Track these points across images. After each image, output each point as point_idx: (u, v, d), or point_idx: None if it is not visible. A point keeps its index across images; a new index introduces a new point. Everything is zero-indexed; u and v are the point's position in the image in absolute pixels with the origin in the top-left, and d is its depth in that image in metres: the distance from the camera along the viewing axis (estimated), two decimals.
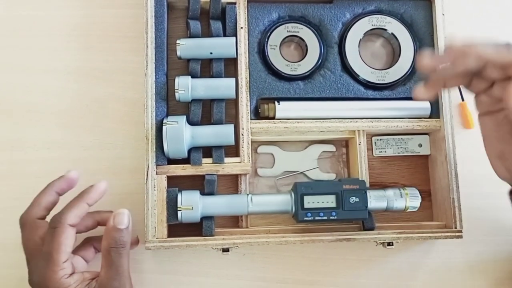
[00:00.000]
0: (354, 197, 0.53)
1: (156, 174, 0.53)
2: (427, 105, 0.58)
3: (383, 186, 0.59)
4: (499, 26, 0.66)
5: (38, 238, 0.47)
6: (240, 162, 0.55)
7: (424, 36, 0.60)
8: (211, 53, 0.56)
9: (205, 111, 0.56)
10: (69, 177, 0.50)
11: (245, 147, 0.55)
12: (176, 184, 0.54)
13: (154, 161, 0.53)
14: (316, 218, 0.53)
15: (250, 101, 0.56)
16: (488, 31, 0.65)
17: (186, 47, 0.55)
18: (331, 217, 0.53)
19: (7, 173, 0.57)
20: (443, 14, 0.59)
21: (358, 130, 0.57)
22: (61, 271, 0.45)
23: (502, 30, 0.66)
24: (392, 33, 0.60)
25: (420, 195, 0.55)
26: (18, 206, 0.56)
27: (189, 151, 0.54)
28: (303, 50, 0.59)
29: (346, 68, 0.58)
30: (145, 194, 0.53)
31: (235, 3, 0.57)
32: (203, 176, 0.54)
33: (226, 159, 0.55)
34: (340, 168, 0.60)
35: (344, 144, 0.60)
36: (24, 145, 0.57)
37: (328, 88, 0.58)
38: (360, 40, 0.59)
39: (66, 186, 0.50)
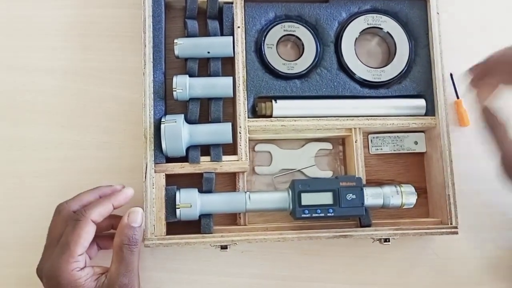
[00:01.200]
0: (351, 194, 0.54)
1: (155, 172, 0.53)
2: (422, 103, 0.59)
3: (379, 183, 0.60)
4: (493, 25, 0.66)
5: (63, 229, 0.48)
6: (237, 160, 0.55)
7: (419, 35, 0.60)
8: (208, 52, 0.56)
9: (203, 110, 0.56)
10: (126, 192, 0.51)
11: (242, 145, 0.55)
12: (174, 182, 0.54)
13: (153, 159, 0.53)
14: (313, 215, 0.53)
15: (247, 100, 0.56)
16: (482, 30, 0.66)
17: (184, 46, 0.56)
18: (328, 214, 0.53)
19: (5, 172, 0.57)
20: (438, 13, 0.60)
21: (355, 128, 0.58)
22: (75, 263, 0.45)
23: (496, 28, 0.66)
24: (388, 32, 0.60)
25: (416, 192, 0.56)
26: (17, 205, 0.57)
27: (187, 149, 0.54)
28: (300, 49, 0.60)
29: (342, 66, 0.59)
30: (143, 192, 0.53)
31: (232, 3, 0.58)
32: (201, 174, 0.55)
33: (224, 157, 0.55)
34: (337, 166, 0.61)
35: (340, 142, 0.61)
36: (22, 144, 0.58)
37: (325, 86, 0.58)
38: (356, 39, 0.60)
39: (109, 192, 0.51)
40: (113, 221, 0.53)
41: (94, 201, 0.49)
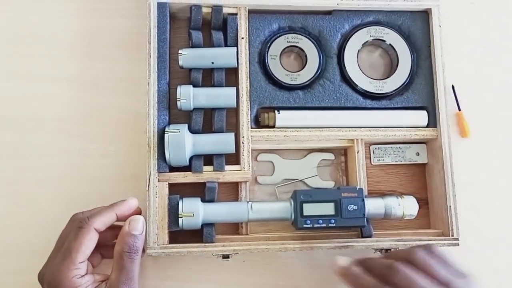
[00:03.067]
0: (352, 205, 0.54)
1: (158, 181, 0.54)
2: (424, 114, 0.59)
3: (381, 194, 0.60)
4: (495, 37, 0.67)
5: None
6: (240, 170, 0.56)
7: (421, 47, 0.61)
8: (212, 62, 0.57)
9: (206, 120, 0.57)
10: (130, 202, 0.51)
11: (245, 155, 0.56)
12: (177, 191, 0.55)
13: (156, 168, 0.54)
14: (315, 225, 0.53)
15: (250, 110, 0.57)
16: (484, 43, 0.67)
17: (188, 56, 0.56)
18: (330, 225, 0.53)
19: (9, 179, 0.58)
20: (440, 26, 0.61)
21: (357, 139, 0.58)
22: (76, 270, 0.46)
23: (497, 41, 0.67)
24: (390, 44, 0.61)
25: (418, 203, 0.56)
26: (20, 213, 0.57)
27: (191, 159, 0.55)
28: (303, 60, 0.60)
29: (345, 78, 0.59)
30: (146, 201, 0.53)
31: (236, 14, 0.58)
32: (204, 184, 0.55)
33: (227, 167, 0.55)
34: (339, 176, 0.61)
35: (343, 153, 0.61)
36: (27, 152, 0.58)
37: (327, 97, 0.59)
38: (359, 50, 0.60)
39: (126, 210, 0.51)
40: (117, 231, 0.53)
41: (98, 210, 0.50)
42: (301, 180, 0.60)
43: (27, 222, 0.57)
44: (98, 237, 0.48)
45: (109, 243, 0.52)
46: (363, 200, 0.54)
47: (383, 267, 0.47)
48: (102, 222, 0.48)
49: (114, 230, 0.51)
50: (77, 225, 0.48)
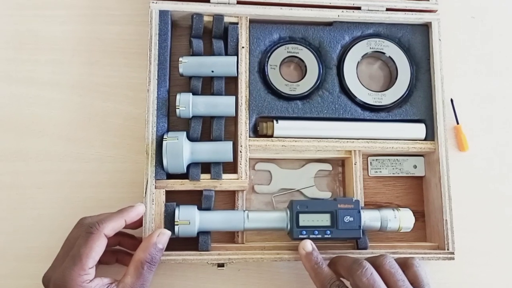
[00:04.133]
0: (348, 217, 0.54)
1: (155, 188, 0.54)
2: (422, 128, 0.60)
3: (377, 206, 0.60)
4: (494, 52, 0.67)
5: None
6: (237, 179, 0.56)
7: (420, 60, 0.61)
8: (212, 71, 0.57)
9: (205, 128, 0.57)
10: (138, 209, 0.52)
11: (243, 164, 0.56)
12: (174, 198, 0.55)
13: (154, 175, 0.54)
14: (311, 236, 0.53)
15: (249, 119, 0.57)
16: (483, 57, 0.67)
17: (188, 64, 0.57)
18: (326, 236, 0.54)
19: (9, 183, 0.58)
20: (440, 40, 0.61)
21: (354, 150, 0.58)
22: (85, 275, 0.46)
23: (497, 55, 0.67)
24: (390, 57, 0.61)
25: (414, 216, 0.56)
26: (19, 217, 0.57)
27: (188, 166, 0.55)
28: (303, 70, 0.61)
29: (344, 89, 0.60)
30: None
31: (237, 23, 0.59)
32: (201, 192, 0.55)
33: (224, 175, 0.56)
34: (336, 187, 0.61)
35: (340, 164, 0.62)
36: (27, 156, 0.58)
37: (326, 108, 0.59)
38: (358, 62, 0.61)
39: (135, 216, 0.51)
40: (120, 238, 0.53)
41: (107, 215, 0.50)
42: (298, 190, 0.60)
43: (24, 226, 0.57)
44: (106, 242, 0.48)
45: (109, 249, 0.52)
46: (359, 212, 0.54)
47: (351, 262, 0.49)
48: (112, 227, 0.48)
49: (117, 235, 0.51)
50: (86, 230, 0.48)
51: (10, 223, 0.57)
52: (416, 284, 0.49)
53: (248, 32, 0.59)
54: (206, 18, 0.58)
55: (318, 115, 0.59)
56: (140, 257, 0.48)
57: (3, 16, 0.61)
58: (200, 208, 0.55)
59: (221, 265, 0.54)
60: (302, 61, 0.60)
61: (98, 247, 0.47)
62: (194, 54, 0.58)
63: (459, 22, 0.67)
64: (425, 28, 0.62)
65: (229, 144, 0.55)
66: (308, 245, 0.52)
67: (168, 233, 0.51)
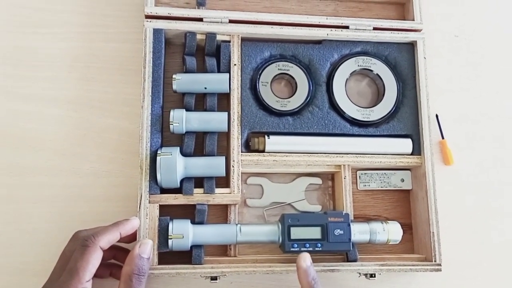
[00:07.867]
0: (338, 230, 0.55)
1: (149, 202, 0.55)
2: (409, 142, 0.61)
3: (366, 219, 0.62)
4: (478, 69, 0.70)
5: None
6: (230, 193, 0.57)
7: (407, 77, 0.63)
8: (205, 88, 0.58)
9: (198, 143, 0.58)
10: (133, 222, 0.53)
11: (235, 179, 0.57)
12: (167, 212, 0.56)
13: (147, 190, 0.55)
14: (302, 249, 0.55)
15: (241, 135, 0.59)
16: (467, 73, 0.69)
17: (182, 81, 0.58)
18: (316, 249, 0.55)
19: (4, 197, 0.58)
20: (425, 58, 0.63)
21: (344, 165, 0.60)
22: None
23: (480, 72, 0.70)
24: (377, 74, 0.63)
25: (402, 228, 0.58)
26: (14, 231, 0.58)
27: (181, 181, 0.56)
28: (293, 87, 0.63)
29: (333, 105, 0.61)
30: None
31: (229, 41, 0.60)
32: (194, 206, 0.56)
33: (217, 190, 0.57)
34: (326, 200, 0.63)
35: (330, 178, 0.63)
36: (23, 170, 0.59)
37: (316, 124, 0.61)
38: (347, 79, 0.63)
39: (130, 229, 0.52)
40: (115, 251, 0.54)
41: (102, 228, 0.50)
42: (289, 204, 0.61)
43: (19, 240, 0.57)
44: (102, 255, 0.49)
45: (104, 262, 0.53)
46: (349, 225, 0.56)
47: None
48: (107, 240, 0.49)
49: (112, 249, 0.52)
50: (81, 243, 0.48)
51: (6, 237, 0.57)
52: None
53: (240, 50, 0.61)
54: (199, 36, 0.60)
55: (309, 130, 0.60)
56: (126, 270, 0.49)
57: (2, 33, 0.62)
58: (193, 222, 0.56)
59: (214, 278, 0.55)
60: (293, 78, 0.62)
61: (95, 260, 0.47)
62: (187, 71, 0.60)
63: (444, 41, 0.70)
64: (411, 46, 0.64)
65: (222, 159, 0.57)
66: (308, 259, 0.52)
67: (150, 242, 0.51)
